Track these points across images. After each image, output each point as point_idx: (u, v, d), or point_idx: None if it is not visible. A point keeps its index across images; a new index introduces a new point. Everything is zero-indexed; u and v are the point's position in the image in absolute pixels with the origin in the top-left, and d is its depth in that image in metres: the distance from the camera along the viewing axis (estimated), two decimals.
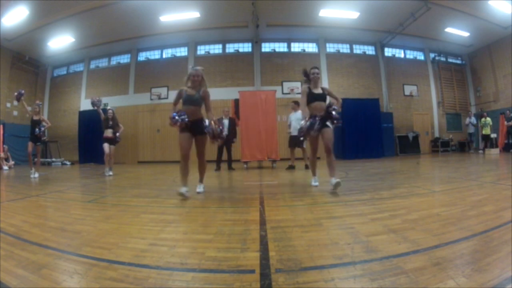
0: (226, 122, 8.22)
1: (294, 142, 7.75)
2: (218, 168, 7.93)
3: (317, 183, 4.35)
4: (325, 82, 13.61)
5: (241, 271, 1.43)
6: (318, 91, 4.07)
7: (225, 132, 8.05)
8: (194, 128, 3.72)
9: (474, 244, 1.69)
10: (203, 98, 3.75)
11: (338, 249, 1.69)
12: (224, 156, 8.18)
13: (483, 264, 1.38)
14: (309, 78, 4.09)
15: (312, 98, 3.99)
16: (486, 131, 12.39)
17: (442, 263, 1.41)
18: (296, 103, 7.97)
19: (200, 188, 4.02)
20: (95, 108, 7.56)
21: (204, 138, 3.80)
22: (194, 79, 3.69)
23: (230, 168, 8.04)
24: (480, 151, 12.44)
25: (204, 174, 4.08)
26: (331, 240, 1.85)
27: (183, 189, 3.61)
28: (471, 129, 13.17)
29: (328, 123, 3.95)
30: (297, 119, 7.73)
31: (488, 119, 12.38)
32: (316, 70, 4.08)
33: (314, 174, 4.53)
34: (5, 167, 10.45)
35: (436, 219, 2.26)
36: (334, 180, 3.71)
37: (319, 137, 4.01)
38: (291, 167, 7.67)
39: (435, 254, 1.52)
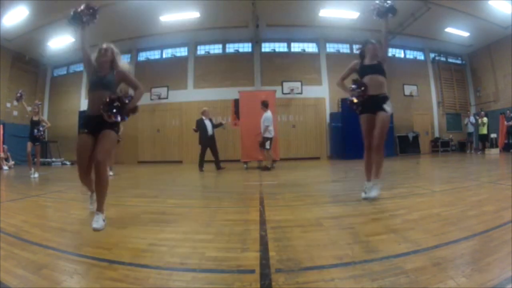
0: (208, 122, 8.10)
1: (261, 143, 7.58)
2: (202, 170, 7.78)
3: (374, 193, 3.01)
4: (325, 82, 13.60)
5: (241, 271, 1.43)
6: (372, 62, 3.23)
7: (210, 132, 8.01)
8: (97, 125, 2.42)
9: (474, 244, 1.69)
10: (120, 80, 2.62)
11: (338, 249, 1.69)
12: (211, 157, 8.07)
13: (483, 264, 1.38)
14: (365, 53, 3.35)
15: (364, 71, 3.21)
16: (482, 131, 12.41)
17: (442, 263, 1.41)
18: (265, 104, 7.74)
19: (97, 223, 2.19)
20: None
21: (110, 135, 2.42)
22: (101, 60, 2.60)
23: (219, 168, 7.94)
24: (479, 152, 12.44)
25: (105, 198, 2.37)
26: (331, 240, 1.85)
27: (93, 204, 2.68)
28: (471, 129, 13.17)
29: (386, 106, 3.05)
30: (264, 120, 7.59)
31: (485, 119, 12.38)
32: (372, 41, 3.41)
33: (368, 177, 3.16)
34: (5, 167, 10.46)
35: (436, 219, 2.26)
36: (374, 190, 3.01)
37: (372, 121, 3.07)
38: (267, 168, 7.53)
39: (435, 254, 1.52)
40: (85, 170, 2.50)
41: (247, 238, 1.94)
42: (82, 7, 2.62)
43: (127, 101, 2.41)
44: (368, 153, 3.15)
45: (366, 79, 3.13)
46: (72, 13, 2.62)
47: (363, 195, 3.11)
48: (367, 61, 3.25)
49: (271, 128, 7.57)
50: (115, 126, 2.47)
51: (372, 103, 3.06)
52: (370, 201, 2.96)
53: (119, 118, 2.39)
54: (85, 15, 2.63)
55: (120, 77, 2.63)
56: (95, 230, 2.17)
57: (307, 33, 13.33)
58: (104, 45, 2.69)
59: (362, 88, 3.07)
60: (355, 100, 3.16)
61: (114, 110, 2.35)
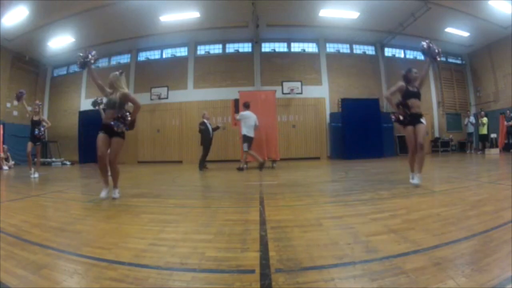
0: (209, 125, 8.37)
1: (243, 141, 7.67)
2: (202, 168, 8.09)
3: (417, 181, 3.99)
4: (325, 82, 13.60)
5: (241, 271, 1.43)
6: (413, 88, 4.25)
7: (211, 135, 8.29)
8: (109, 130, 3.62)
9: (474, 244, 1.69)
10: (123, 99, 3.65)
11: (338, 249, 1.69)
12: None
13: (483, 264, 1.38)
14: (409, 78, 4.28)
15: (408, 95, 4.19)
16: (482, 131, 12.43)
17: (442, 263, 1.41)
18: (246, 105, 7.85)
19: (115, 194, 3.70)
20: (97, 107, 7.55)
21: (118, 141, 3.65)
22: (109, 86, 3.73)
23: (204, 166, 8.33)
24: (479, 152, 12.45)
25: (118, 180, 3.78)
26: (331, 240, 1.85)
27: (103, 193, 3.54)
28: (470, 129, 13.21)
29: (422, 119, 4.17)
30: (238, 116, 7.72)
31: (485, 119, 12.40)
32: (415, 70, 4.37)
33: (412, 170, 4.22)
34: (5, 167, 10.46)
35: (436, 219, 2.26)
36: (417, 179, 3.99)
37: (414, 131, 4.12)
38: (261, 166, 7.58)
39: (435, 254, 1.52)
40: (103, 159, 3.57)
41: (247, 238, 1.94)
42: (86, 56, 3.77)
43: (128, 118, 3.56)
44: (412, 154, 4.17)
45: (411, 101, 4.16)
46: (79, 63, 3.81)
47: (412, 181, 4.07)
48: (410, 87, 4.22)
49: (249, 126, 7.62)
50: (121, 133, 3.64)
51: (415, 118, 4.14)
52: (416, 187, 3.87)
53: (123, 129, 3.59)
54: (88, 60, 3.77)
55: (122, 97, 3.63)
56: (114, 198, 3.59)
57: (307, 33, 13.34)
58: (110, 75, 3.73)
59: (407, 112, 4.15)
60: (401, 118, 4.18)
61: (120, 124, 3.52)
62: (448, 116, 14.80)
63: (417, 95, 4.24)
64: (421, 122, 4.15)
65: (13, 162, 11.42)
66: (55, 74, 15.32)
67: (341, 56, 14.01)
